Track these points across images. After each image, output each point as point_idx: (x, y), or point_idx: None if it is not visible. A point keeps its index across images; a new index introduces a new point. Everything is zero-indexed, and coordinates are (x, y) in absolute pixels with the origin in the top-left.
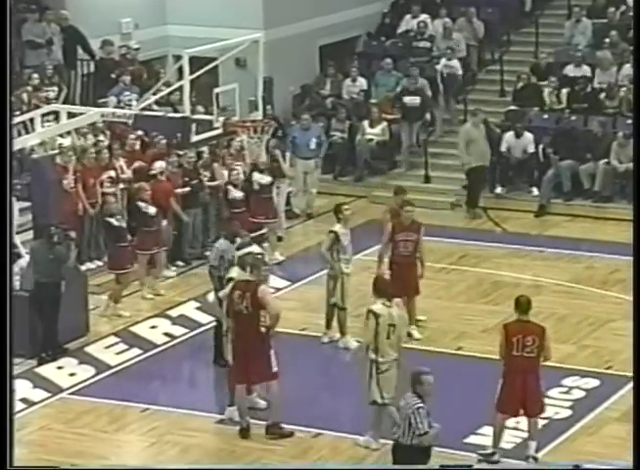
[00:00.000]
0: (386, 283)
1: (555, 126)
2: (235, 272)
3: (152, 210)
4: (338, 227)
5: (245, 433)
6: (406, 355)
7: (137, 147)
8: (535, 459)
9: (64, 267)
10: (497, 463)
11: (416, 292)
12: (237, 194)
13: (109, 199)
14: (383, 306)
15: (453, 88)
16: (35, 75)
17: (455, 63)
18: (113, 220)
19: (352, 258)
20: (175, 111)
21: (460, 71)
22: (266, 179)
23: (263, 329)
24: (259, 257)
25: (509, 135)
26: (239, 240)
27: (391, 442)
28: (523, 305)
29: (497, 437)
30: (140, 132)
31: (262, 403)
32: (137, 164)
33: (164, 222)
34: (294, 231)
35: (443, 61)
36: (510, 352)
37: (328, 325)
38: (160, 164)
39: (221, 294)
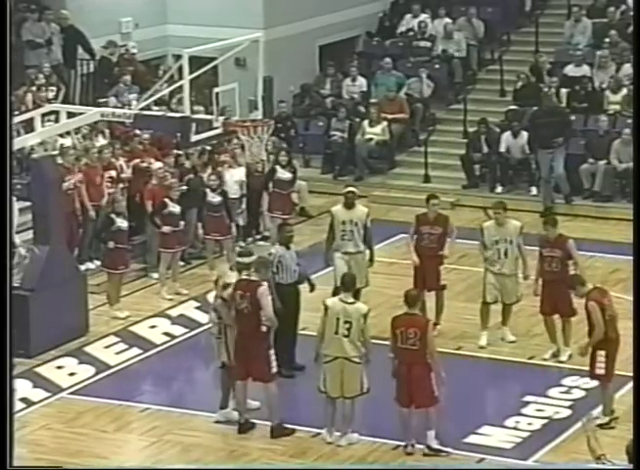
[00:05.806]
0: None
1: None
2: (234, 278)
3: (177, 208)
4: (487, 224)
5: (244, 428)
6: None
7: (136, 146)
8: (430, 448)
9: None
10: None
11: (570, 313)
12: (214, 198)
13: (117, 197)
14: (336, 300)
15: None
16: (41, 75)
17: None
18: (117, 220)
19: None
20: (174, 110)
21: None
22: (287, 175)
23: (264, 328)
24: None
25: (507, 135)
26: (293, 245)
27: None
28: (410, 298)
29: (405, 427)
30: (138, 131)
31: (255, 404)
32: (137, 161)
33: (182, 222)
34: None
35: None
36: (395, 343)
37: (504, 322)
38: (158, 165)
39: (225, 294)
